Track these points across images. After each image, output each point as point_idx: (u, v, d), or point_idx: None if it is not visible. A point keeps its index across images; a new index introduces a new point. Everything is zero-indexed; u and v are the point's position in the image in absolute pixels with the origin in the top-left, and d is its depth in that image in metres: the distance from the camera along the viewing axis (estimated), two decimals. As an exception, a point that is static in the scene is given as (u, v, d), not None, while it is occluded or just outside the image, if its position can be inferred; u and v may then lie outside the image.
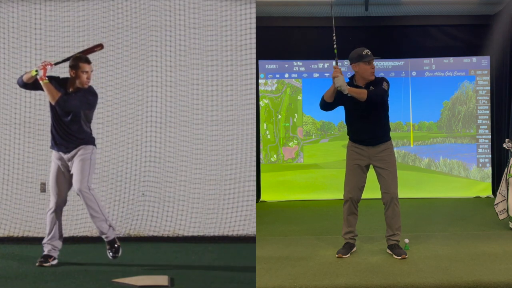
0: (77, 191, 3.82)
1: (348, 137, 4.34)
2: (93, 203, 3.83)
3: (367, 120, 4.13)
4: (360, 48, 4.09)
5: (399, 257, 4.04)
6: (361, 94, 3.97)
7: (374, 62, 4.11)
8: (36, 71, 3.75)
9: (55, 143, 3.89)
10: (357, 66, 4.08)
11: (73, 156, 3.86)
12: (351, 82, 4.17)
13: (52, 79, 3.82)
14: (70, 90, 3.84)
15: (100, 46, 4.01)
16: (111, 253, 3.92)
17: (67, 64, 3.86)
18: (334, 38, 4.05)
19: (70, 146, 3.86)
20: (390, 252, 4.16)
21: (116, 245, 3.94)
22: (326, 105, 4.17)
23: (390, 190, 4.13)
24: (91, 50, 3.97)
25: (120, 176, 4.84)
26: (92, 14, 4.80)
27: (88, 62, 3.83)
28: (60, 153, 3.89)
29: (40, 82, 3.74)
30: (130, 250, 4.02)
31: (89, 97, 3.85)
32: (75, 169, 3.84)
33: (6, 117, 4.82)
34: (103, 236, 3.92)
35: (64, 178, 3.89)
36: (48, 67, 3.76)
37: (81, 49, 4.07)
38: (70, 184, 3.91)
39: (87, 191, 3.81)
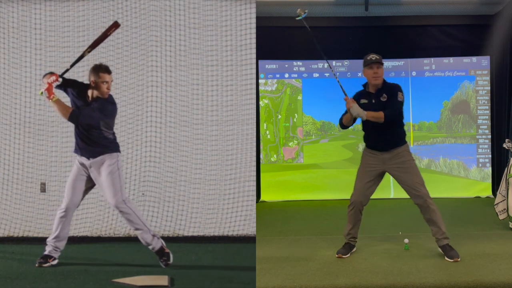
0: (113, 207, 3.73)
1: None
2: (133, 217, 3.72)
3: (381, 130, 4.10)
4: (368, 54, 4.14)
5: (452, 260, 3.90)
6: (379, 118, 3.98)
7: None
8: (42, 93, 3.59)
9: (78, 147, 3.80)
10: (364, 72, 4.16)
11: (97, 165, 3.76)
12: (364, 89, 4.22)
13: (71, 88, 3.72)
14: (90, 99, 3.75)
15: (115, 26, 3.83)
16: (163, 262, 3.80)
17: (80, 64, 3.82)
18: (337, 75, 4.14)
19: (92, 152, 3.76)
20: (442, 253, 4.04)
21: (166, 252, 3.81)
22: (346, 127, 4.26)
23: (420, 191, 4.06)
24: (108, 33, 3.79)
25: (120, 176, 4.83)
26: (92, 14, 4.80)
27: (109, 72, 3.74)
28: (83, 158, 3.78)
29: (49, 102, 3.59)
30: (130, 250, 4.01)
31: (107, 107, 3.74)
32: (105, 183, 3.72)
33: (6, 117, 4.81)
34: (150, 247, 3.81)
35: (81, 184, 3.79)
36: (55, 83, 3.60)
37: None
38: (86, 191, 3.84)
39: (123, 206, 3.70)
